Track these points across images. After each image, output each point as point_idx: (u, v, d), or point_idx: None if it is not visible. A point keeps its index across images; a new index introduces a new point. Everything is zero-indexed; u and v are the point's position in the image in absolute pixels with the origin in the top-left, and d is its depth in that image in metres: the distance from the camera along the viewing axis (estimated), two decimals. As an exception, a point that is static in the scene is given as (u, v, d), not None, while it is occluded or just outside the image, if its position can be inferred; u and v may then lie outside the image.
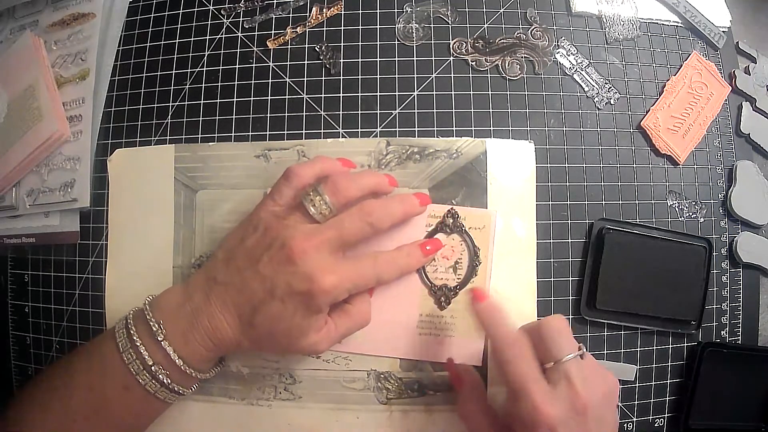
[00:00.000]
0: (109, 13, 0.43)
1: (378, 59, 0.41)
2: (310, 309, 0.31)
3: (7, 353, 0.42)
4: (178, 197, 0.40)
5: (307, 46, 0.42)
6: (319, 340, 0.33)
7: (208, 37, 0.42)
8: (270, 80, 0.41)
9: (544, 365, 0.31)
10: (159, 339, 0.31)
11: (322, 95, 0.41)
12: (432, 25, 0.42)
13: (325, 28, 0.42)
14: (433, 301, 0.38)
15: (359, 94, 0.41)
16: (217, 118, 0.41)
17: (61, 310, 0.41)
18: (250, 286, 0.32)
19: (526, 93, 0.41)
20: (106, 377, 0.32)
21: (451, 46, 0.41)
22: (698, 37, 0.43)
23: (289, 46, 0.42)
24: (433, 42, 0.41)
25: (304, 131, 0.40)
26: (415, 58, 0.41)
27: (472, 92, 0.41)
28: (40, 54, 0.42)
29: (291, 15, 0.42)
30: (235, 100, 0.41)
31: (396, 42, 0.41)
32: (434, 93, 0.40)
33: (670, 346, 0.40)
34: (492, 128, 0.40)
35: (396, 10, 0.42)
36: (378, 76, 0.41)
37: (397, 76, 0.41)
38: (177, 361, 0.31)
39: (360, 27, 0.42)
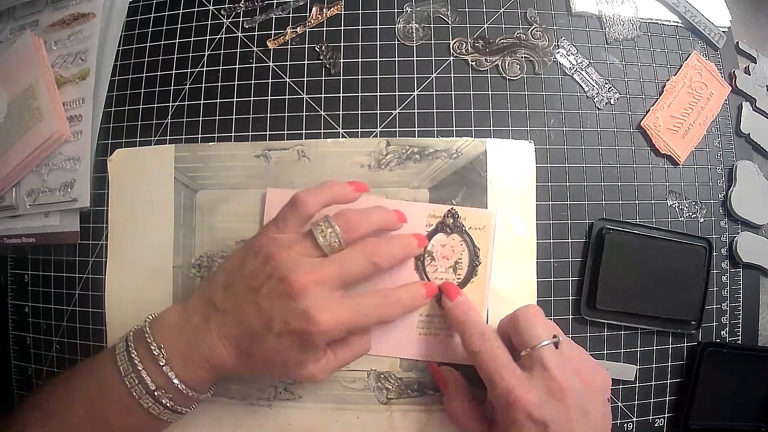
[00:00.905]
0: (109, 13, 0.43)
1: (378, 59, 0.41)
2: (306, 346, 0.31)
3: (7, 353, 0.42)
4: (178, 197, 0.40)
5: (307, 46, 0.42)
6: (316, 372, 0.33)
7: (208, 37, 0.42)
8: (270, 80, 0.41)
9: (520, 353, 0.32)
10: (161, 364, 0.31)
11: (322, 95, 0.41)
12: (432, 25, 0.42)
13: (325, 28, 0.42)
14: (433, 300, 0.38)
15: (359, 94, 0.41)
16: (217, 118, 0.41)
17: (61, 310, 0.41)
18: (248, 318, 0.31)
19: (526, 93, 0.41)
20: (108, 399, 0.31)
21: (451, 46, 0.41)
22: (698, 37, 0.43)
23: (289, 46, 0.42)
24: (433, 42, 0.41)
25: (304, 131, 0.40)
26: (415, 58, 0.41)
27: (472, 92, 0.41)
28: (40, 54, 0.42)
29: (291, 15, 0.42)
30: (235, 100, 0.41)
31: (396, 42, 0.41)
32: (434, 93, 0.40)
33: (670, 346, 0.40)
34: (492, 128, 0.40)
35: (396, 10, 0.42)
36: (378, 76, 0.41)
37: (397, 76, 0.41)
38: (179, 385, 0.31)
39: (360, 27, 0.42)
